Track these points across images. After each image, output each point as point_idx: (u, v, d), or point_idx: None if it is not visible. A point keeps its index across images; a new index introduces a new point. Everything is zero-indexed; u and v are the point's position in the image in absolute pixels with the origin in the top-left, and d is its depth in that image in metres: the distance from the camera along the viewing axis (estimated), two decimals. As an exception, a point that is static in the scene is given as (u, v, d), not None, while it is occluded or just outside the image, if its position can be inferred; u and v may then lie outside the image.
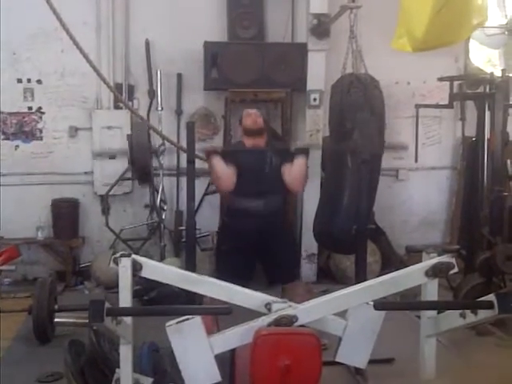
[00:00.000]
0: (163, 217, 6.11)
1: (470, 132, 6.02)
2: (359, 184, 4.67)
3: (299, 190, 4.66)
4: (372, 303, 2.64)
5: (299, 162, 4.28)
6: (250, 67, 5.70)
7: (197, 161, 4.53)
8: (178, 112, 6.18)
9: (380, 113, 5.14)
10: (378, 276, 3.20)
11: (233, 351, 2.81)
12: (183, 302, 3.97)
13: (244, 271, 4.10)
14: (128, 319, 2.67)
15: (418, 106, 5.90)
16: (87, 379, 3.27)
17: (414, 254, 5.71)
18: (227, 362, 2.86)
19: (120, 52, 6.07)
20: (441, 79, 5.94)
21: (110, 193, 5.96)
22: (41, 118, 6.09)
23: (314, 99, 5.72)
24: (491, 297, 2.50)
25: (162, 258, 5.98)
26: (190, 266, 4.40)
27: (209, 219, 5.97)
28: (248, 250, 4.23)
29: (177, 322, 2.59)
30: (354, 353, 2.81)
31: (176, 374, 2.80)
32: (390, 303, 2.97)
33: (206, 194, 6.06)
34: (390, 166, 6.34)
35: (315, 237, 5.38)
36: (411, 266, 2.81)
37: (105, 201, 6.01)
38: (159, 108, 6.02)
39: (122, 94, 6.02)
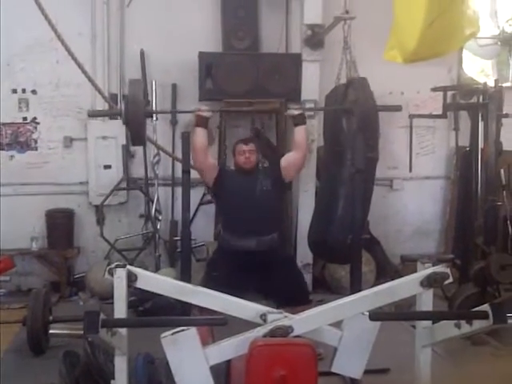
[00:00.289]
0: (158, 227, 6.11)
1: (463, 142, 6.05)
2: (353, 194, 4.70)
3: (303, 158, 4.35)
4: (367, 313, 2.64)
5: (300, 129, 4.25)
6: (245, 78, 5.72)
7: (192, 171, 4.55)
8: (173, 122, 6.19)
9: (374, 123, 5.19)
10: (373, 286, 3.22)
11: (228, 362, 2.81)
12: (178, 312, 3.99)
13: None
14: (123, 330, 2.67)
15: (411, 116, 5.94)
16: (82, 391, 3.26)
17: (408, 264, 5.72)
18: (222, 373, 2.85)
19: (115, 62, 6.09)
20: (434, 89, 5.99)
21: (105, 203, 5.95)
22: (36, 128, 6.09)
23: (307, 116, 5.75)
24: (486, 307, 2.50)
25: (157, 269, 5.97)
26: (185, 276, 4.41)
27: (204, 229, 5.97)
28: (240, 283, 3.93)
29: (172, 333, 2.58)
30: (350, 363, 2.81)
31: (171, 386, 2.79)
32: (385, 314, 2.97)
33: (201, 203, 6.06)
34: (385, 176, 6.37)
35: (310, 246, 5.39)
36: (406, 277, 2.81)
37: (100, 211, 6.00)
38: (154, 118, 6.03)
39: (117, 105, 6.03)
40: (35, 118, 6.08)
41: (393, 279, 2.92)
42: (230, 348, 2.64)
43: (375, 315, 2.62)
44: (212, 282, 3.97)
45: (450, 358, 3.98)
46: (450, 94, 6.08)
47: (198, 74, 5.76)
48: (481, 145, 5.34)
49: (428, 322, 2.82)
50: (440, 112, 5.87)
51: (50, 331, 4.23)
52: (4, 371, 3.90)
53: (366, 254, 5.60)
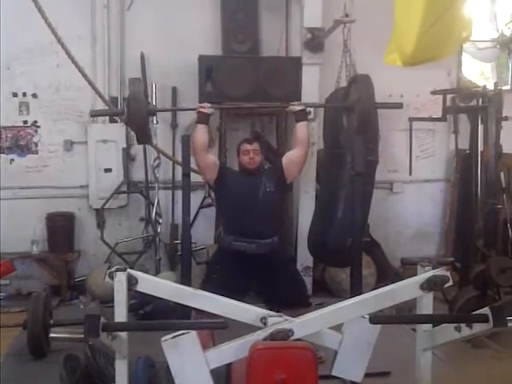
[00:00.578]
0: (158, 230, 6.11)
1: (463, 145, 6.06)
2: (353, 196, 4.71)
3: (305, 155, 4.29)
4: (367, 317, 2.64)
5: (301, 125, 4.25)
6: (245, 81, 5.72)
7: (192, 174, 4.56)
8: (173, 125, 6.20)
9: (374, 125, 5.20)
10: (373, 289, 3.21)
11: (229, 366, 2.81)
12: (179, 316, 3.99)
13: None
14: (123, 334, 2.67)
15: (411, 120, 5.95)
16: (82, 394, 3.26)
17: (409, 267, 5.73)
18: (223, 376, 2.85)
19: (115, 66, 6.09)
20: (434, 93, 6.00)
21: (106, 206, 5.95)
22: (36, 131, 6.10)
23: (309, 112, 5.75)
24: (486, 310, 2.51)
25: (157, 272, 5.96)
26: (186, 279, 4.41)
27: (204, 232, 5.98)
28: (240, 284, 3.99)
29: (172, 337, 2.58)
30: (350, 366, 2.81)
31: (172, 389, 2.79)
32: (385, 317, 2.97)
33: (201, 207, 6.07)
34: (385, 179, 6.37)
35: (309, 249, 5.39)
36: (406, 280, 2.81)
37: (100, 214, 6.00)
38: (154, 121, 6.03)
39: (118, 108, 6.03)
40: (36, 122, 6.09)
41: (393, 282, 2.92)
42: (230, 351, 2.64)
43: (375, 318, 2.63)
44: (211, 283, 3.98)
45: (451, 362, 3.98)
46: (449, 97, 6.10)
47: (197, 77, 5.76)
48: (480, 148, 5.35)
49: (428, 325, 2.82)
50: (440, 115, 5.87)
51: (51, 335, 4.23)
52: (4, 375, 3.90)
53: (366, 257, 5.60)
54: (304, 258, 5.82)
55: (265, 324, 2.60)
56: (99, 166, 6.08)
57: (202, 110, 4.21)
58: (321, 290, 6.00)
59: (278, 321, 2.60)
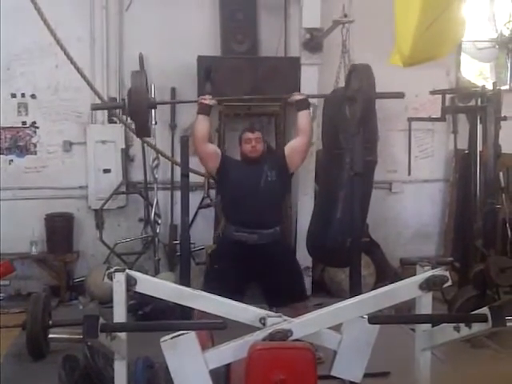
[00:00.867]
0: (157, 231, 6.11)
1: (462, 145, 6.06)
2: (352, 197, 4.71)
3: (307, 144, 4.25)
4: (366, 317, 2.64)
5: (303, 114, 4.19)
6: (244, 81, 5.72)
7: (191, 175, 4.56)
8: (172, 126, 6.20)
9: (372, 126, 5.19)
10: (372, 289, 3.21)
11: (228, 366, 2.81)
12: (178, 316, 3.99)
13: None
14: (122, 335, 2.67)
15: (410, 120, 5.96)
16: (81, 395, 3.26)
17: (408, 267, 5.73)
18: (222, 377, 2.85)
19: (114, 66, 6.10)
20: (433, 93, 6.00)
21: (105, 207, 5.95)
22: (35, 132, 6.10)
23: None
24: (485, 310, 2.51)
25: (156, 273, 5.96)
26: (185, 280, 4.41)
27: (203, 233, 5.97)
28: (241, 275, 4.01)
29: (171, 338, 2.58)
30: (349, 367, 2.81)
31: (171, 390, 2.79)
32: (384, 317, 2.97)
33: (200, 207, 6.06)
34: (384, 179, 6.37)
35: (308, 250, 5.39)
36: (405, 280, 2.81)
37: (99, 215, 6.00)
38: (153, 122, 6.02)
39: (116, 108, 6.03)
40: (34, 123, 6.09)
41: (392, 282, 2.92)
42: (229, 352, 2.63)
43: (374, 318, 2.63)
44: (213, 274, 4.08)
45: (450, 361, 3.98)
46: (448, 97, 6.10)
47: (196, 78, 5.76)
48: (479, 147, 5.35)
49: (427, 325, 2.82)
50: (439, 115, 5.87)
51: (50, 335, 4.18)
52: (3, 376, 3.90)
53: (365, 257, 5.60)
54: (303, 259, 5.80)
55: (264, 324, 2.60)
56: (98, 166, 6.08)
57: (203, 101, 4.20)
58: (320, 291, 6.00)
59: (277, 321, 2.60)
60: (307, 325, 2.65)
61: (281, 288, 4.06)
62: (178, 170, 5.60)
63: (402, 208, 6.68)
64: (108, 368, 3.26)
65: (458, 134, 6.34)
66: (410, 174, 6.02)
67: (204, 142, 4.14)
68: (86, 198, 6.15)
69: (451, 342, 2.78)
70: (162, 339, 2.59)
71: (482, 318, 2.50)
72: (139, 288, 2.73)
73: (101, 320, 2.42)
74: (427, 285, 2.67)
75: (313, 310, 2.85)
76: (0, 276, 5.59)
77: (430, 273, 2.69)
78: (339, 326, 2.78)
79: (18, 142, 6.08)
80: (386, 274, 6.08)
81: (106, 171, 6.08)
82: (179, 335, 2.57)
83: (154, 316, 4.80)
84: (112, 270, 2.67)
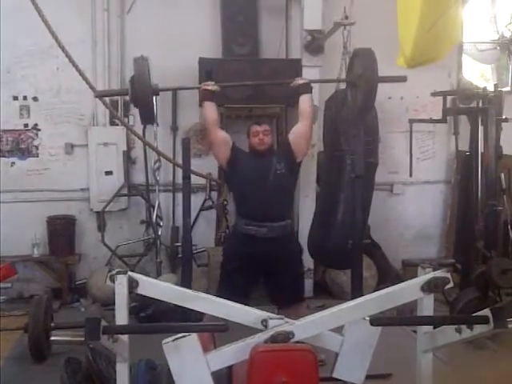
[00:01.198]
0: (159, 233, 6.11)
1: (463, 146, 6.06)
2: (353, 198, 4.70)
3: (309, 127, 4.19)
4: (368, 318, 2.64)
5: (305, 97, 4.13)
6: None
7: (192, 177, 4.56)
8: (174, 128, 6.21)
9: (373, 127, 5.20)
10: (374, 291, 3.21)
11: (230, 368, 2.80)
12: (180, 318, 3.99)
13: (240, 296, 3.57)
14: (124, 337, 2.67)
15: (411, 121, 5.96)
16: (83, 397, 3.26)
17: (409, 268, 5.73)
18: (224, 379, 2.85)
19: (115, 68, 6.11)
20: (434, 94, 6.00)
21: (106, 209, 5.96)
22: (37, 135, 6.11)
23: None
24: (487, 311, 2.50)
25: (158, 275, 5.97)
26: (186, 282, 4.42)
27: (205, 235, 5.98)
28: (250, 272, 4.02)
29: (173, 340, 2.58)
30: (351, 368, 2.80)
31: (173, 392, 2.79)
32: (385, 319, 2.97)
33: (202, 209, 6.07)
34: (385, 181, 6.38)
35: (309, 251, 5.39)
36: (407, 281, 2.81)
37: (101, 217, 6.01)
38: (155, 124, 6.04)
39: (118, 111, 6.05)
40: (36, 125, 6.10)
41: (394, 284, 2.92)
42: (231, 354, 2.63)
43: (376, 320, 2.62)
44: (225, 272, 4.14)
45: (452, 363, 3.98)
46: (449, 98, 6.10)
47: (198, 80, 5.76)
48: (481, 149, 5.35)
49: (429, 327, 2.82)
50: (440, 117, 5.88)
51: (52, 338, 4.24)
52: (5, 378, 3.91)
53: (366, 259, 5.60)
54: (305, 260, 5.77)
55: (265, 326, 2.60)
56: (100, 168, 6.10)
57: (206, 87, 4.18)
58: (321, 292, 6.00)
59: (279, 323, 2.60)
60: (309, 327, 2.64)
61: (286, 288, 4.06)
62: (179, 172, 5.61)
63: (404, 209, 6.68)
64: (110, 370, 3.27)
65: (459, 135, 6.33)
66: (411, 175, 6.03)
67: (216, 125, 4.13)
68: (87, 201, 6.16)
69: (453, 343, 2.78)
70: (163, 341, 2.59)
71: (484, 320, 2.49)
72: (141, 290, 2.73)
73: (103, 322, 2.42)
74: (429, 286, 2.67)
75: (314, 312, 2.85)
76: (1, 279, 5.60)
77: (431, 274, 2.68)
78: (341, 327, 2.78)
79: (20, 145, 6.10)
80: (387, 276, 6.08)
81: (108, 173, 6.10)
82: (181, 337, 2.57)
83: (156, 318, 4.81)
84: (114, 272, 2.67)
